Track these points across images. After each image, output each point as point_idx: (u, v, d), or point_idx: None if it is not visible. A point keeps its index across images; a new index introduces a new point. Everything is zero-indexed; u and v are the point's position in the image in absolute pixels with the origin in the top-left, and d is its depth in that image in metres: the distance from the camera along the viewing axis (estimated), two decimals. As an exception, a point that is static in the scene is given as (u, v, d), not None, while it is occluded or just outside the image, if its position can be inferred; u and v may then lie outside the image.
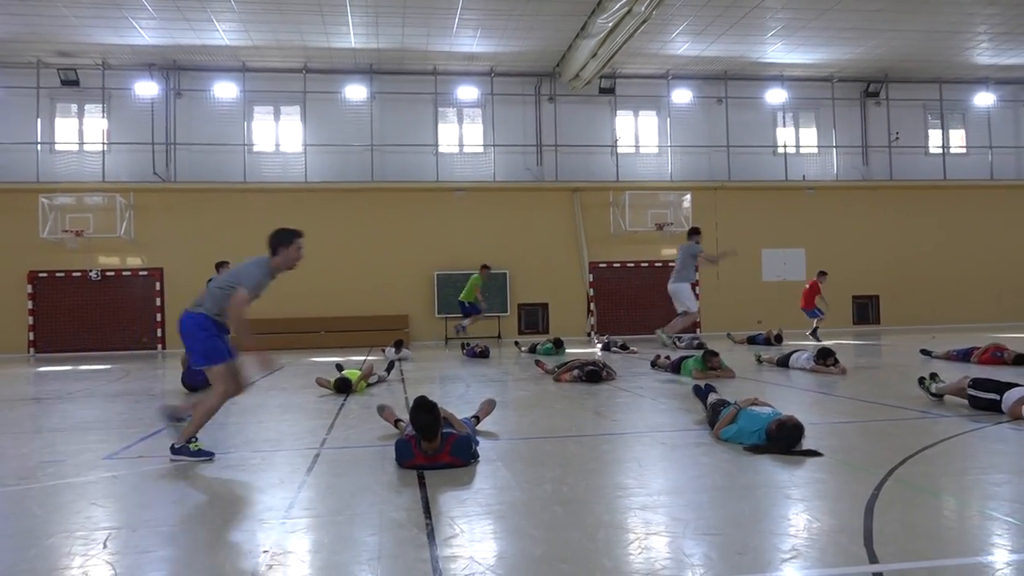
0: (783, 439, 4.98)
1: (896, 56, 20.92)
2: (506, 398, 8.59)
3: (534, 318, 21.30)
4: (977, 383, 6.66)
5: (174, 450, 5.30)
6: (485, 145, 21.58)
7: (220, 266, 12.21)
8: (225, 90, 20.52)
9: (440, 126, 21.46)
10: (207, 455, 5.29)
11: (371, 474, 4.80)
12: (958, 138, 23.75)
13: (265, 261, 5.77)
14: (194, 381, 9.58)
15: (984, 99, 23.32)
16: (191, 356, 5.54)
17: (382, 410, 6.46)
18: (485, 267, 16.98)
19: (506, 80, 21.43)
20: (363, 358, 10.76)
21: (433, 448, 4.83)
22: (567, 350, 15.24)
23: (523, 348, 16.29)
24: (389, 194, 20.72)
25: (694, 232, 13.32)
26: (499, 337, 20.70)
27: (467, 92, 21.30)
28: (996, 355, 10.80)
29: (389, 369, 11.01)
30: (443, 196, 20.99)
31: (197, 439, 5.34)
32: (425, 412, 4.87)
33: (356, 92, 20.85)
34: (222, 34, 18.16)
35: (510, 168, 21.54)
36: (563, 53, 19.77)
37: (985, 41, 20.06)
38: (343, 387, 9.21)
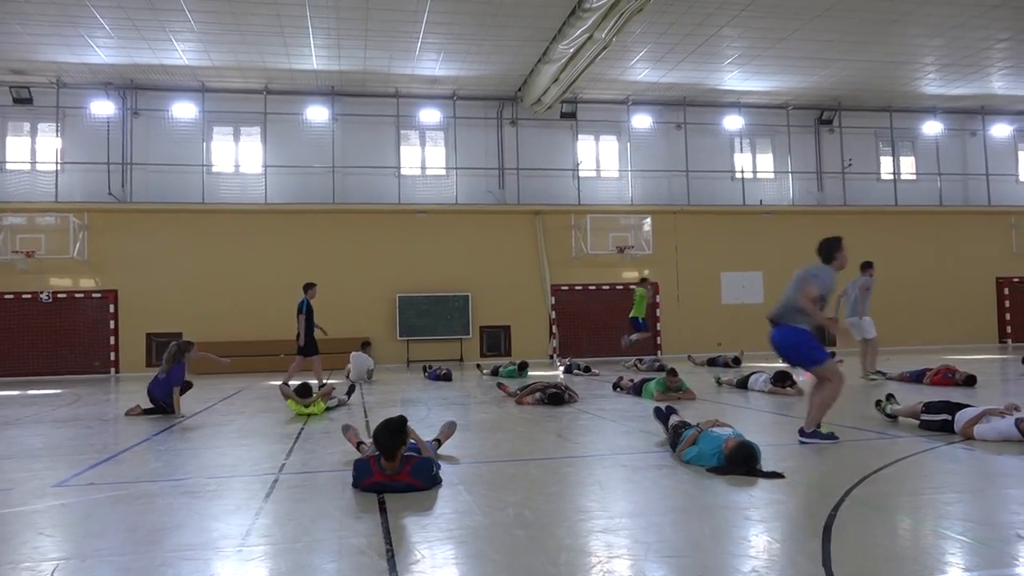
0: (738, 461, 5.04)
1: (848, 85, 21.52)
2: (468, 421, 8.54)
3: (496, 341, 21.27)
4: (930, 407, 6.80)
5: (804, 434, 6.35)
6: (447, 168, 21.62)
7: (308, 288, 13.02)
8: (184, 110, 20.28)
9: (402, 148, 21.47)
10: (835, 438, 6.29)
11: (331, 500, 4.73)
12: (908, 165, 24.45)
13: (828, 268, 6.89)
14: (160, 392, 9.74)
15: (932, 128, 24.06)
16: (802, 364, 6.43)
17: (346, 430, 6.39)
18: (644, 280, 17.77)
19: (469, 103, 21.55)
20: (323, 380, 10.67)
21: (393, 468, 4.80)
22: (530, 372, 15.24)
23: (485, 371, 16.25)
24: (351, 216, 20.62)
25: (868, 265, 13.33)
26: (461, 360, 20.63)
27: (430, 115, 21.36)
28: (947, 376, 11.09)
29: (350, 392, 10.89)
30: (405, 218, 20.94)
31: (821, 425, 6.37)
32: (389, 430, 4.83)
33: (318, 114, 20.78)
34: (181, 54, 17.98)
35: (472, 191, 21.60)
36: (525, 78, 19.96)
37: (932, 72, 20.74)
38: (304, 392, 9.19)
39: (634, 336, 16.95)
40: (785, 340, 6.38)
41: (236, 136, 20.88)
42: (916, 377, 11.69)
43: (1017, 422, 5.98)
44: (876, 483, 4.80)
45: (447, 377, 14.76)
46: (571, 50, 16.47)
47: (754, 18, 16.57)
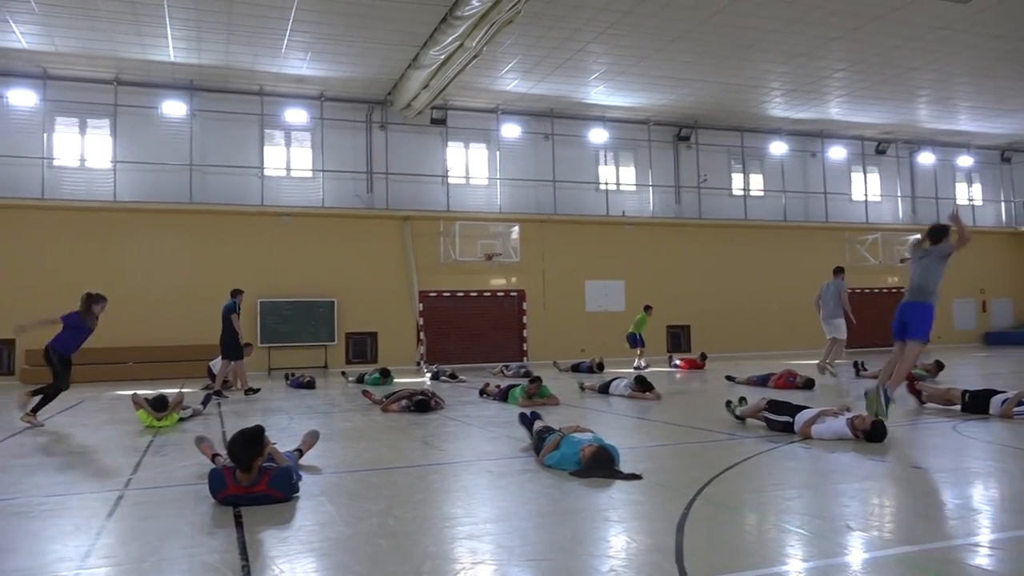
0: (596, 465, 5.20)
1: (704, 104, 22.74)
2: (331, 430, 8.34)
3: (362, 348, 20.91)
4: (772, 405, 7.27)
5: (887, 392, 7.18)
6: (314, 170, 21.09)
7: (236, 293, 13.31)
8: (22, 97, 18.71)
9: (266, 148, 20.74)
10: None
11: (182, 515, 4.48)
12: (757, 182, 26.09)
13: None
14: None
15: (778, 148, 25.80)
16: (914, 335, 7.67)
17: (200, 441, 6.05)
18: (649, 307, 19.52)
19: (337, 105, 21.12)
20: (176, 390, 10.09)
21: (249, 479, 4.61)
22: (395, 380, 15.08)
23: (350, 378, 15.94)
24: (209, 217, 19.69)
25: (839, 271, 14.62)
26: (325, 367, 20.13)
27: (296, 115, 20.76)
28: (789, 380, 11.92)
29: (205, 402, 10.38)
30: (268, 221, 20.24)
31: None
32: (244, 441, 4.65)
33: (174, 108, 19.72)
34: (19, 36, 16.60)
35: (340, 194, 21.17)
36: (395, 82, 19.80)
37: (779, 96, 22.27)
38: (160, 405, 8.67)
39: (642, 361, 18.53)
40: (917, 313, 7.80)
41: (82, 128, 19.48)
42: (761, 381, 12.49)
43: (848, 422, 6.50)
44: (725, 482, 5.07)
45: (310, 385, 14.37)
46: (442, 57, 16.50)
47: (618, 36, 17.20)
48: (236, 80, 19.60)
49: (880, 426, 6.38)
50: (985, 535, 3.77)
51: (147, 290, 18.72)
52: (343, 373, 17.37)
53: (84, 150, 19.48)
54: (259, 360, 19.63)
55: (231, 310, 13.08)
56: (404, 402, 9.79)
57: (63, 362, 9.33)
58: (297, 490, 4.88)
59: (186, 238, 19.48)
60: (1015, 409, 7.61)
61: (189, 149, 19.71)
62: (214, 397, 11.64)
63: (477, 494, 4.99)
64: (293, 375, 15.42)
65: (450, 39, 15.57)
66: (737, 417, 7.76)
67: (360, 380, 15.21)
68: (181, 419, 9.08)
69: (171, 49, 17.50)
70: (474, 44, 15.48)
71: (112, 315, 18.27)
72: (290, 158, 21.15)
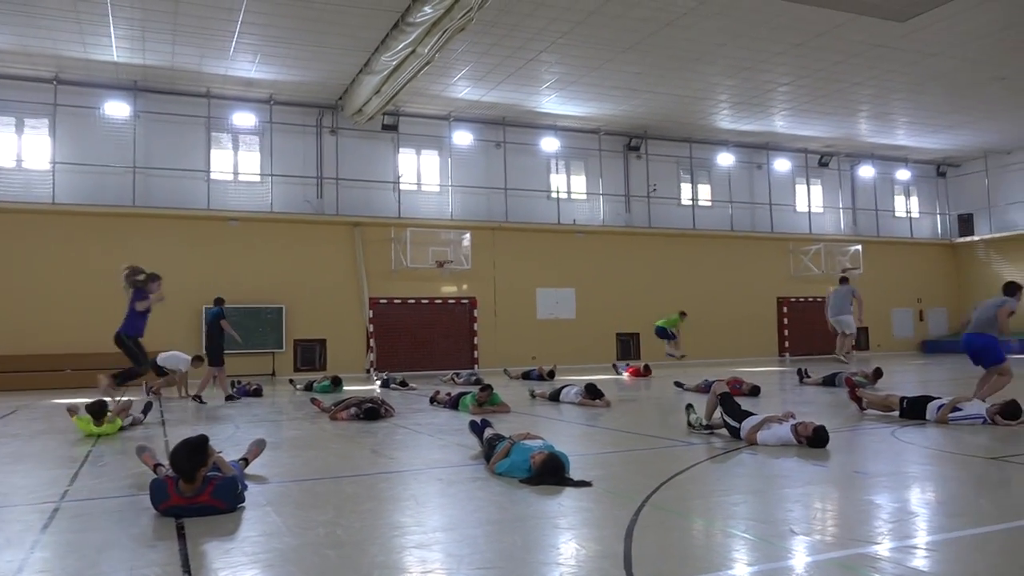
0: (546, 472, 5.21)
1: (654, 115, 23.07)
2: (279, 438, 8.20)
3: (311, 355, 20.63)
4: (726, 406, 7.30)
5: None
6: (262, 174, 20.77)
7: (219, 301, 13.62)
8: (-45, 95, 18.05)
9: (213, 152, 20.35)
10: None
11: (122, 528, 4.35)
12: (705, 192, 26.55)
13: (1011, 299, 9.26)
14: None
15: (725, 159, 26.31)
16: (990, 362, 9.21)
17: (142, 451, 5.87)
18: (684, 313, 20.27)
19: (286, 109, 20.85)
20: (119, 397, 9.79)
21: (192, 490, 4.50)
22: (345, 387, 14.91)
23: (298, 386, 15.71)
24: (154, 221, 19.22)
25: (845, 279, 16.60)
26: (273, 375, 19.80)
27: (244, 118, 20.43)
28: (735, 387, 12.06)
29: (147, 410, 10.10)
30: (215, 226, 19.85)
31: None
32: (187, 450, 4.54)
33: (118, 109, 19.23)
34: (-47, 32, 16.02)
35: (289, 200, 20.88)
36: (346, 87, 19.64)
37: (726, 108, 22.72)
38: (99, 411, 8.40)
39: (673, 349, 19.68)
40: (978, 343, 9.22)
41: (19, 128, 18.86)
42: (709, 387, 12.62)
43: (792, 428, 6.64)
44: (673, 488, 5.13)
45: (257, 393, 14.12)
46: (394, 63, 16.42)
47: (570, 46, 17.36)
48: (182, 82, 19.21)
49: (822, 432, 6.53)
50: (922, 537, 3.89)
51: (87, 295, 18.18)
52: (291, 381, 17.10)
53: (21, 150, 18.85)
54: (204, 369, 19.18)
55: (219, 316, 13.36)
56: (353, 409, 9.68)
57: (137, 344, 9.99)
58: (242, 500, 4.79)
59: (128, 242, 18.94)
60: (950, 415, 7.87)
61: (132, 151, 19.23)
62: (194, 401, 12.02)
63: (427, 502, 4.95)
64: (239, 382, 15.13)
65: (402, 45, 15.52)
66: (705, 428, 7.69)
67: (309, 388, 15.00)
68: (122, 427, 8.82)
69: (114, 49, 17.07)
70: (426, 51, 15.45)
71: (50, 321, 17.80)
72: (238, 162, 20.79)
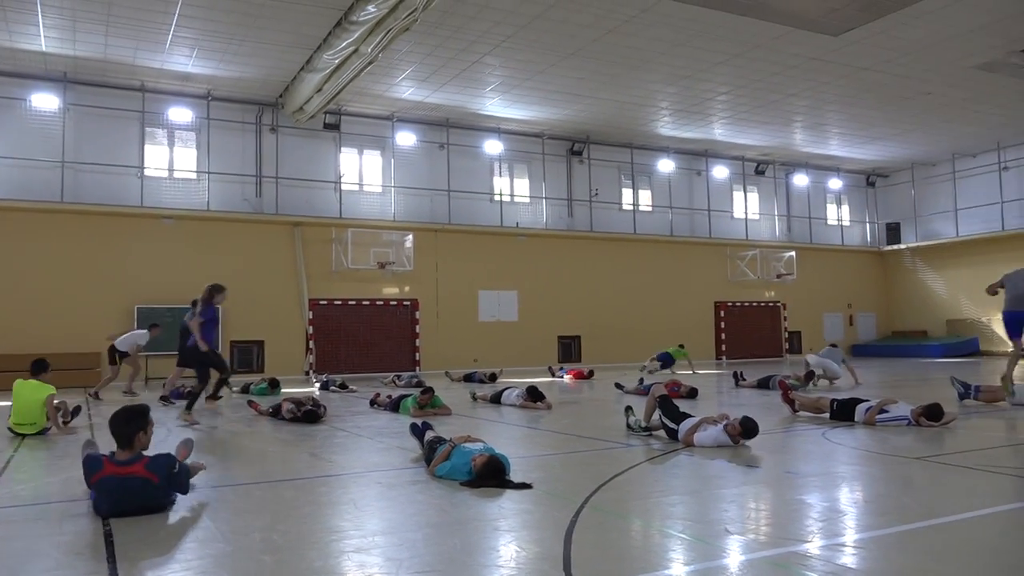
0: (487, 474, 5.22)
1: (596, 120, 23.32)
2: (213, 442, 8.02)
3: (248, 356, 20.20)
4: (665, 408, 7.42)
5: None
6: (199, 172, 20.26)
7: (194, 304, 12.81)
8: None
9: (147, 147, 19.76)
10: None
11: (46, 535, 4.20)
12: (646, 198, 26.94)
13: None
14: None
15: (666, 165, 26.75)
16: None
17: (88, 446, 5.77)
18: (683, 346, 20.62)
19: (225, 106, 20.39)
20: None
21: (127, 456, 4.44)
22: (283, 390, 14.66)
23: (235, 388, 15.37)
24: (84, 218, 18.55)
25: None
26: (208, 377, 19.28)
27: (180, 114, 19.90)
28: (673, 389, 12.28)
29: (74, 414, 9.75)
30: (149, 223, 19.28)
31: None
32: (126, 415, 4.63)
33: (46, 101, 18.51)
34: None
35: (227, 198, 20.42)
36: (287, 84, 19.31)
37: (667, 116, 23.11)
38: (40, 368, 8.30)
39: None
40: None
41: (-62, 118, 18.01)
42: (648, 390, 12.81)
43: (724, 428, 6.80)
44: (612, 489, 5.19)
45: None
46: (336, 61, 16.22)
47: (514, 50, 17.42)
48: (115, 74, 18.61)
49: (749, 422, 6.75)
50: (850, 535, 4.02)
51: (13, 295, 17.47)
52: (227, 383, 16.70)
53: (-60, 142, 18.01)
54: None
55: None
56: (291, 406, 9.55)
57: (215, 354, 10.79)
58: (182, 489, 4.71)
59: (57, 239, 18.28)
60: (877, 416, 8.15)
61: (62, 145, 18.54)
62: (161, 402, 12.08)
63: (366, 506, 4.91)
64: (175, 386, 14.72)
65: (345, 43, 15.34)
66: (644, 430, 7.80)
67: (245, 390, 14.70)
68: (44, 431, 8.50)
69: (43, 38, 16.43)
70: (369, 50, 15.30)
71: (-31, 320, 17.00)
72: (173, 158, 20.24)
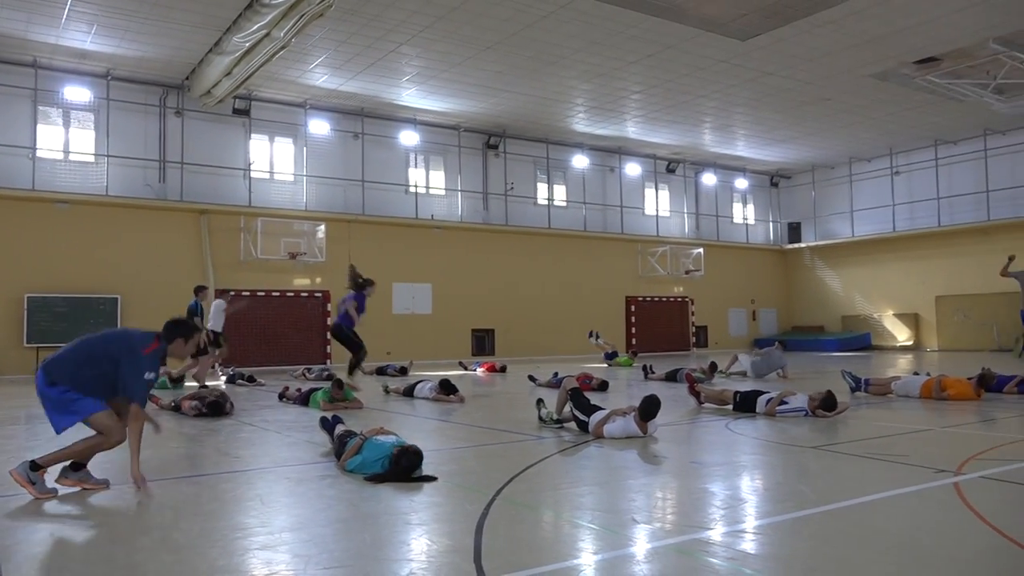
0: (404, 466, 5.18)
1: (513, 115, 23.40)
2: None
3: (149, 348, 19.36)
4: (576, 400, 7.54)
5: None
6: (97, 154, 19.28)
7: (199, 290, 13.92)
8: None
9: (40, 127, 18.67)
10: None
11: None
12: (560, 193, 27.24)
13: None
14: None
15: (580, 161, 27.10)
16: None
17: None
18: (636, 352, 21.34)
19: (126, 86, 19.46)
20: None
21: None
22: (187, 383, 14.14)
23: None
24: (-33, 200, 17.41)
25: None
26: (106, 369, 18.43)
27: (77, 93, 18.88)
28: (585, 382, 12.47)
29: None
30: (41, 208, 18.23)
31: None
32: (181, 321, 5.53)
33: (-75, 74, 17.26)
34: None
35: (127, 183, 19.51)
36: (194, 66, 18.59)
37: (582, 112, 23.41)
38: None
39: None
40: None
41: None
42: (560, 383, 12.97)
43: (633, 418, 6.96)
44: (524, 481, 5.24)
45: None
46: (247, 44, 15.72)
47: (431, 40, 17.29)
48: (5, 49, 17.48)
49: (651, 399, 6.93)
50: (750, 522, 4.18)
51: None
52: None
53: None
54: (24, 362, 17.65)
55: (193, 311, 13.57)
56: (196, 403, 9.23)
57: (354, 333, 12.01)
58: (131, 392, 4.90)
59: (-64, 223, 17.11)
60: (777, 408, 8.50)
61: (-57, 122, 17.33)
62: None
63: (273, 502, 4.79)
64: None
65: (256, 26, 14.88)
66: (555, 422, 7.88)
67: (146, 384, 14.10)
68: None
69: (-77, 6, 15.32)
70: (282, 34, 14.90)
71: None
72: (69, 140, 19.20)
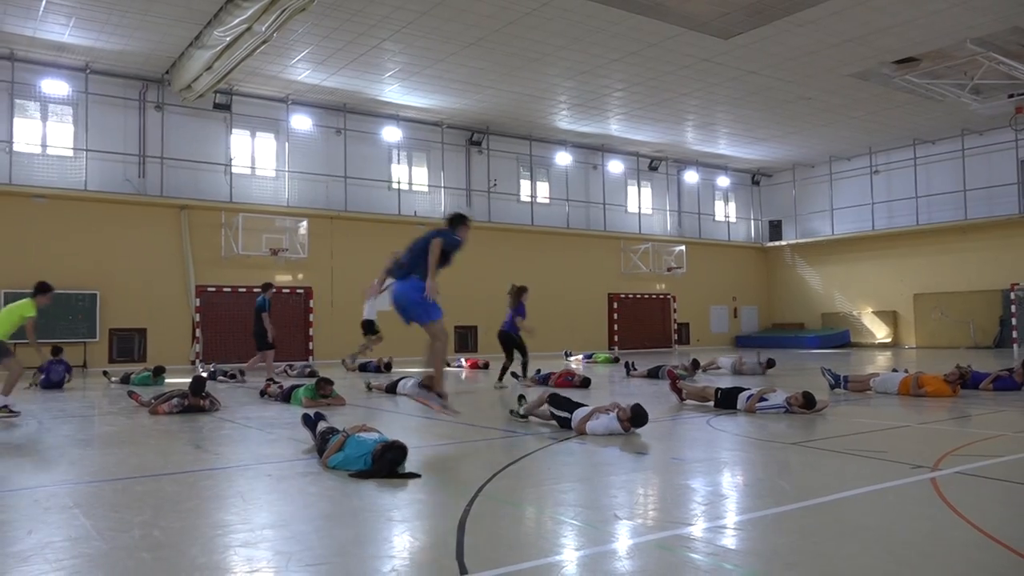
0: (389, 459, 5.17)
1: (496, 111, 23.38)
2: (89, 435, 7.60)
3: (129, 345, 19.23)
4: (554, 401, 7.60)
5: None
6: (76, 149, 19.07)
7: (267, 287, 14.66)
8: None
9: (17, 120, 18.44)
10: None
11: None
12: (543, 190, 27.26)
13: None
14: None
15: (564, 159, 27.13)
16: None
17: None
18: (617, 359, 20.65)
19: (105, 80, 19.25)
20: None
21: None
22: (168, 380, 14.04)
23: (113, 378, 14.62)
24: (-59, 194, 17.16)
25: None
26: (85, 366, 18.28)
27: (55, 86, 18.65)
28: (568, 379, 12.60)
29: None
30: (17, 202, 18.00)
31: None
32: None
33: (-101, 66, 16.99)
34: None
35: (106, 178, 19.31)
36: (175, 60, 18.42)
37: (565, 109, 23.43)
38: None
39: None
40: None
41: None
42: (543, 380, 13.07)
43: (615, 416, 6.99)
44: (506, 478, 5.25)
45: (60, 385, 13.14)
46: (228, 38, 15.59)
47: (414, 36, 17.23)
48: (-19, 41, 17.27)
49: (639, 409, 6.96)
50: (731, 517, 4.21)
51: None
52: (105, 373, 15.88)
53: None
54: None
55: (262, 307, 14.16)
56: (176, 400, 9.15)
57: (521, 338, 13.44)
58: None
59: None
60: (757, 404, 8.56)
61: (-83, 115, 17.07)
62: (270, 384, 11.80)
63: (254, 499, 4.77)
64: (46, 374, 13.86)
65: (237, 20, 14.76)
66: (521, 416, 8.03)
67: (125, 380, 14.00)
68: None
69: None
70: (263, 29, 14.79)
71: None
72: (47, 134, 18.97)
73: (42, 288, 9.81)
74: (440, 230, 7.63)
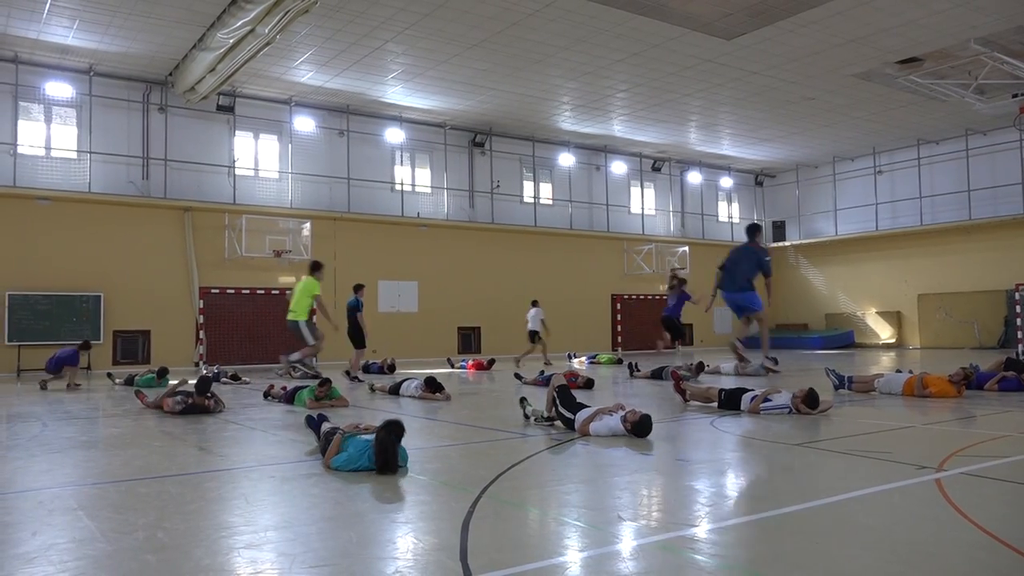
0: (394, 431, 5.23)
1: (499, 113, 23.39)
2: (94, 437, 7.61)
3: (133, 347, 19.27)
4: (562, 398, 7.54)
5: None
6: (80, 151, 19.11)
7: (359, 288, 15.61)
8: None
9: (21, 123, 18.50)
10: None
11: None
12: (546, 191, 27.27)
13: None
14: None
15: (566, 160, 27.14)
16: None
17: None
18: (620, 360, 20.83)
19: (109, 82, 19.31)
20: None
21: None
22: (171, 381, 14.05)
23: (117, 380, 14.65)
24: (-54, 196, 17.22)
25: None
26: (89, 368, 18.30)
27: (59, 89, 18.71)
28: (571, 380, 12.50)
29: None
30: (23, 204, 18.06)
31: None
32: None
33: (-97, 69, 17.04)
34: None
35: (110, 180, 19.36)
36: (178, 62, 18.46)
37: (568, 110, 23.43)
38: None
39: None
40: None
41: None
42: (546, 381, 13.00)
43: (621, 418, 6.97)
44: (510, 479, 5.24)
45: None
46: (231, 40, 15.62)
47: (417, 38, 17.25)
48: (-15, 43, 17.33)
49: (647, 419, 6.92)
50: (735, 519, 4.20)
51: None
52: (109, 375, 15.91)
53: None
54: (6, 360, 17.49)
55: (355, 308, 15.21)
56: (180, 396, 9.18)
57: (681, 323, 16.15)
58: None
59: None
60: (761, 405, 8.54)
61: (-78, 117, 17.12)
62: (352, 381, 13.07)
63: (258, 501, 4.77)
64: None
65: (240, 22, 14.78)
66: (528, 418, 7.94)
67: (130, 382, 14.02)
68: None
69: (-99, 0, 15.12)
70: (267, 31, 14.81)
71: None
72: (51, 136, 19.02)
73: (317, 266, 13.66)
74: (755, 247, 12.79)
